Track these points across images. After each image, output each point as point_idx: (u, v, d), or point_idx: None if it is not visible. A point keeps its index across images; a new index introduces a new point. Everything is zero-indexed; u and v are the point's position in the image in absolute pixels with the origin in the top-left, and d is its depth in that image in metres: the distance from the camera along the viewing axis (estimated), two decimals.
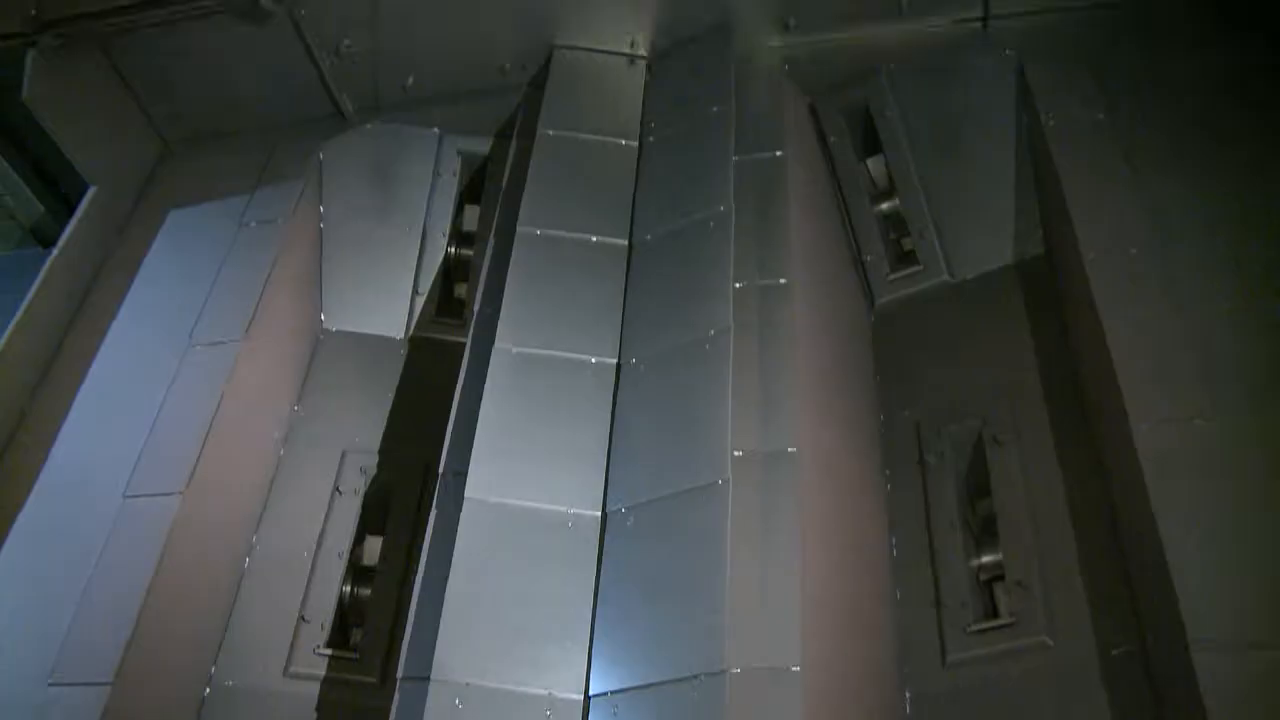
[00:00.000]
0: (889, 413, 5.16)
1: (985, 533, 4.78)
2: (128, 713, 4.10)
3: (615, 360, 4.68)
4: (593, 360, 4.66)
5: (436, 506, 4.34)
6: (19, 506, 4.82)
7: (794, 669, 3.66)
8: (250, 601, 4.88)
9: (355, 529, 5.11)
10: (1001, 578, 4.65)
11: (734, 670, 3.66)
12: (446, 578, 4.05)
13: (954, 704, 4.36)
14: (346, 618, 5.00)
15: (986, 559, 4.69)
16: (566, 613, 4.04)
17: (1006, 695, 4.28)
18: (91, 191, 6.11)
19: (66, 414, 5.13)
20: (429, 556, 4.21)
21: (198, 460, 4.64)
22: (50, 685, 4.11)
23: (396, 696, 3.95)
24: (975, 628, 4.45)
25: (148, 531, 4.46)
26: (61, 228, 6.06)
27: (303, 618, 4.84)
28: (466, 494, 4.22)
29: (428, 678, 3.86)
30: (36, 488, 4.86)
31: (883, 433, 5.10)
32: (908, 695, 4.45)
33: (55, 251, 5.86)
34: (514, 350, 4.63)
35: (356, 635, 4.97)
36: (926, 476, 4.90)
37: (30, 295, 5.64)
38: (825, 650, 3.87)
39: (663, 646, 3.83)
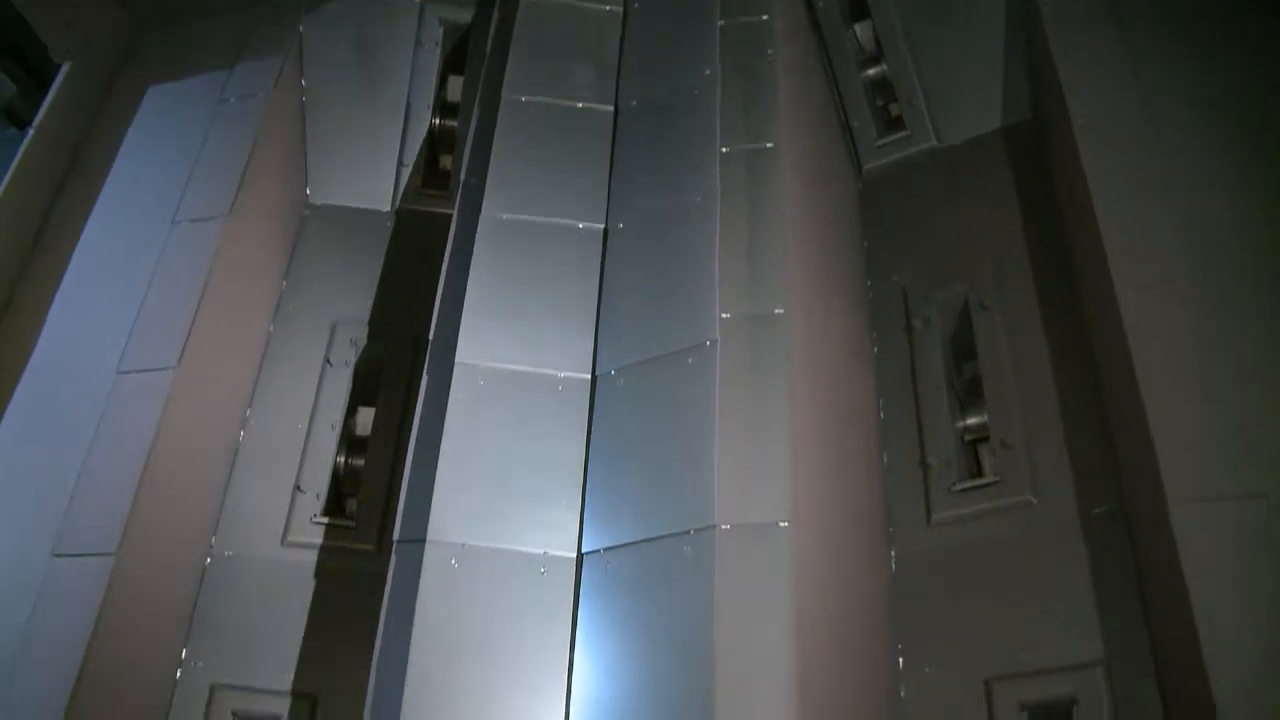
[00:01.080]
0: (876, 278, 5.19)
1: (971, 395, 4.84)
2: (132, 582, 4.16)
3: (602, 225, 4.67)
4: (580, 225, 4.65)
5: (427, 374, 4.36)
6: (12, 386, 4.82)
7: (783, 524, 3.73)
8: (246, 473, 4.95)
9: (347, 400, 5.16)
10: (986, 439, 4.73)
11: (724, 526, 3.73)
12: (439, 443, 4.09)
13: (938, 561, 4.48)
14: (341, 487, 5.08)
15: (972, 421, 4.77)
16: (559, 473, 4.11)
17: (990, 552, 4.39)
18: (65, 69, 6.00)
19: (55, 294, 5.10)
20: (421, 423, 4.25)
21: (188, 336, 4.63)
22: (54, 557, 4.16)
23: (393, 559, 4.02)
24: (960, 487, 4.55)
25: (142, 406, 4.48)
26: (36, 107, 5.95)
27: (298, 488, 4.92)
28: (457, 359, 4.25)
29: (423, 539, 3.93)
30: (29, 367, 4.85)
31: (870, 298, 5.13)
32: (893, 553, 4.56)
33: (31, 131, 5.77)
34: (501, 217, 4.62)
35: (352, 505, 5.06)
36: (913, 341, 4.95)
37: (7, 177, 5.57)
38: (813, 507, 3.94)
39: (654, 504, 3.90)
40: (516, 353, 4.32)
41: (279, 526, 4.84)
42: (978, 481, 4.56)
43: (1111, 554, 4.15)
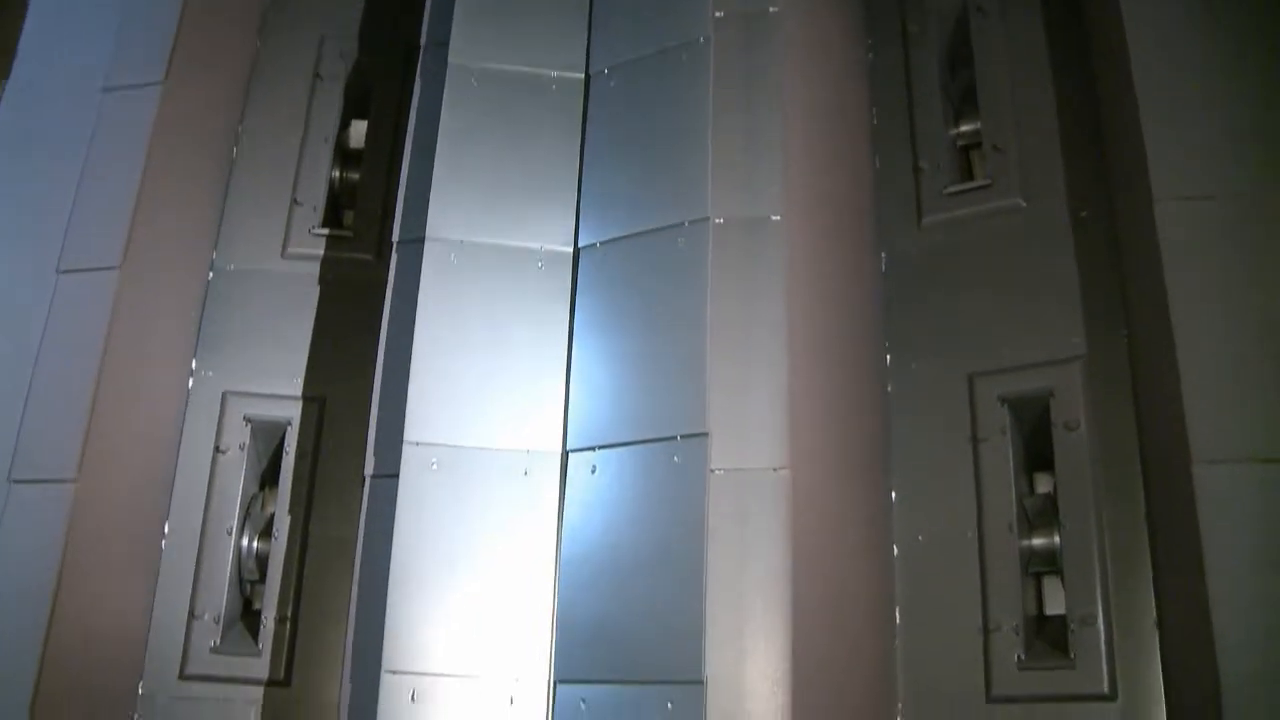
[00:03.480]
0: None
1: (965, 103, 4.81)
2: (137, 294, 4.24)
3: None
4: None
5: (420, 78, 4.33)
6: None
7: (775, 218, 3.81)
8: (242, 188, 4.96)
9: (340, 113, 5.12)
10: (979, 146, 4.74)
11: (717, 220, 3.80)
12: (434, 145, 4.10)
13: (928, 262, 4.57)
14: (338, 200, 5.11)
15: (965, 127, 4.76)
16: (554, 171, 4.15)
17: (978, 254, 4.47)
18: None
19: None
20: (415, 127, 4.25)
21: (173, 50, 4.53)
22: (60, 274, 4.20)
23: (393, 259, 4.12)
24: (951, 190, 4.58)
25: (131, 122, 4.40)
26: None
27: (295, 201, 4.94)
28: (450, 61, 4.21)
29: (422, 238, 4.01)
30: (10, 84, 4.75)
31: (865, 1, 5.02)
32: (883, 255, 4.64)
33: None
34: None
35: (349, 216, 5.11)
36: (909, 46, 4.88)
37: None
38: (805, 201, 4.00)
39: (648, 198, 3.95)
40: (509, 53, 4.27)
41: (278, 239, 4.89)
42: (968, 185, 4.59)
43: (1096, 256, 4.23)
